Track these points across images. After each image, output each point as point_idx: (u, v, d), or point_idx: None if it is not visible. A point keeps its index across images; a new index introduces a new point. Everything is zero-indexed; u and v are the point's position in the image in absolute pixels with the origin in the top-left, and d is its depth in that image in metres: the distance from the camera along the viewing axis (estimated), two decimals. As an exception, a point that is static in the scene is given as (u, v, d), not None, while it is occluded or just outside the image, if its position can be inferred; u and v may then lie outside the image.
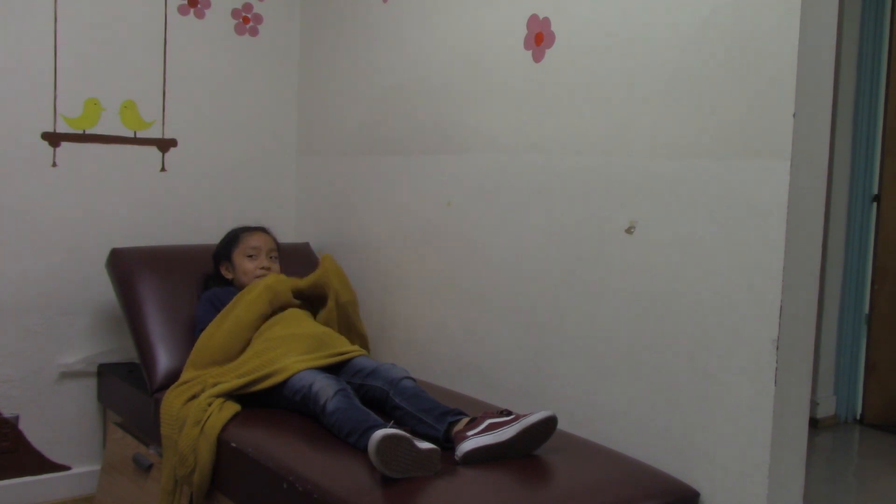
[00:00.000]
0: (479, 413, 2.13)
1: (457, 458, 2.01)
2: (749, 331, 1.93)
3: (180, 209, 3.29)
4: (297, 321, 2.66)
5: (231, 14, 3.36)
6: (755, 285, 1.92)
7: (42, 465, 3.07)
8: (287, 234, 3.51)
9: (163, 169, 3.25)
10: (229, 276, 2.89)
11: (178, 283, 2.92)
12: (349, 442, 2.11)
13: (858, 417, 4.21)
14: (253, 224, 3.06)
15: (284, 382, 2.37)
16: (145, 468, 2.67)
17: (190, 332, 2.83)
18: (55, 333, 3.07)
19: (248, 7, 3.40)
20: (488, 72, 2.63)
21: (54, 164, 3.03)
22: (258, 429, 2.32)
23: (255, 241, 2.90)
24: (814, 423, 4.01)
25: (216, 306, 2.75)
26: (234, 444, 2.25)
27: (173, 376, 2.71)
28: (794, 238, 1.89)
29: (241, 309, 2.63)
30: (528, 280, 2.51)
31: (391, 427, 1.94)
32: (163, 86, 3.23)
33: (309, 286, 2.80)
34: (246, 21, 3.40)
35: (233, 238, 2.92)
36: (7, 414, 3.00)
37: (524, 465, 2.09)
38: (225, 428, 2.31)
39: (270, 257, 2.90)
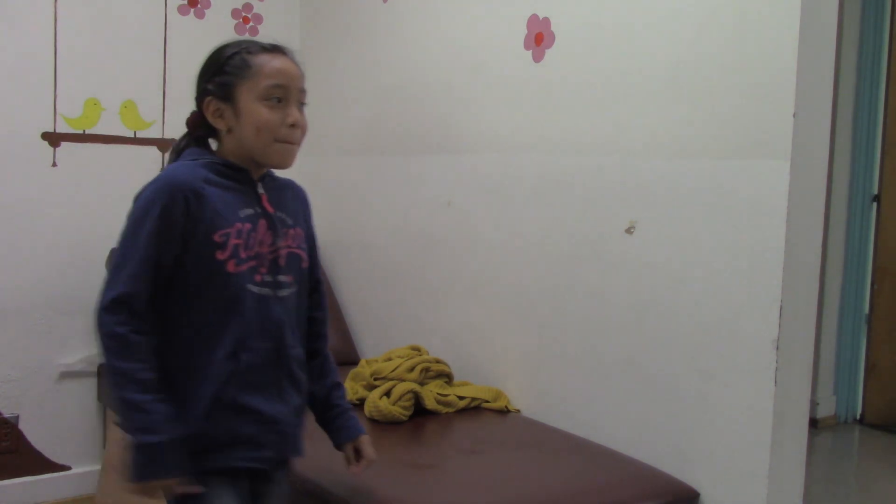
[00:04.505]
0: None
1: None
2: (749, 331, 1.93)
3: (180, 209, 3.28)
4: None
5: (231, 14, 3.36)
6: (755, 285, 1.92)
7: (42, 465, 3.07)
8: (287, 234, 3.51)
9: (163, 169, 3.25)
10: (222, 125, 1.63)
11: (178, 283, 2.92)
12: None
13: (858, 417, 4.21)
14: None
15: None
16: (145, 468, 2.66)
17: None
18: (55, 333, 3.07)
19: (248, 7, 3.40)
20: (488, 72, 2.63)
21: (54, 164, 3.03)
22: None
23: (281, 73, 1.61)
24: (814, 423, 4.00)
25: (172, 217, 1.53)
26: (234, 444, 2.25)
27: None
28: (794, 238, 1.88)
29: None
30: (528, 280, 2.51)
31: None
32: (163, 86, 3.23)
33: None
34: (246, 21, 3.40)
35: (239, 63, 1.60)
36: (7, 414, 3.00)
37: (524, 465, 2.09)
38: None
39: (301, 104, 1.65)
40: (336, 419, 1.79)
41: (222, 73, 1.60)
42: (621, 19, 2.21)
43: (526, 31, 2.49)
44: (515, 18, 2.51)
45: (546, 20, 2.43)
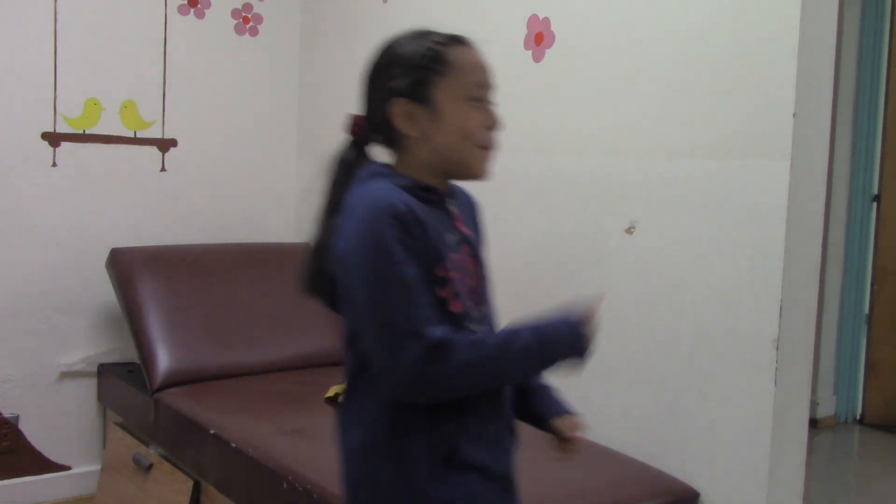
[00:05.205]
0: None
1: None
2: (749, 331, 1.93)
3: (180, 209, 3.28)
4: None
5: (231, 14, 3.36)
6: (755, 285, 1.92)
7: (42, 465, 3.07)
8: (287, 234, 3.51)
9: (163, 169, 3.25)
10: (414, 131, 1.35)
11: (178, 283, 2.92)
12: None
13: (858, 417, 4.21)
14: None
15: None
16: (145, 468, 2.66)
17: (189, 330, 2.83)
18: (55, 333, 3.07)
19: (248, 7, 3.39)
20: (488, 72, 2.63)
21: (54, 164, 3.03)
22: (258, 428, 2.32)
23: (481, 69, 1.40)
24: (814, 423, 4.00)
25: (406, 247, 1.25)
26: (234, 445, 2.25)
27: (173, 376, 2.71)
28: (794, 238, 1.88)
29: None
30: (527, 280, 2.50)
31: None
32: (163, 86, 3.23)
33: None
34: (246, 21, 3.40)
35: (433, 57, 1.40)
36: (7, 414, 3.00)
37: (524, 465, 2.08)
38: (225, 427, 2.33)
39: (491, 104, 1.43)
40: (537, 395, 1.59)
41: (414, 70, 1.36)
42: (621, 19, 2.21)
43: (526, 31, 2.49)
44: (515, 18, 2.51)
45: (546, 20, 2.43)
